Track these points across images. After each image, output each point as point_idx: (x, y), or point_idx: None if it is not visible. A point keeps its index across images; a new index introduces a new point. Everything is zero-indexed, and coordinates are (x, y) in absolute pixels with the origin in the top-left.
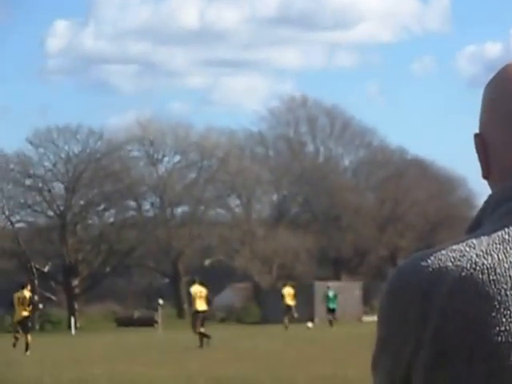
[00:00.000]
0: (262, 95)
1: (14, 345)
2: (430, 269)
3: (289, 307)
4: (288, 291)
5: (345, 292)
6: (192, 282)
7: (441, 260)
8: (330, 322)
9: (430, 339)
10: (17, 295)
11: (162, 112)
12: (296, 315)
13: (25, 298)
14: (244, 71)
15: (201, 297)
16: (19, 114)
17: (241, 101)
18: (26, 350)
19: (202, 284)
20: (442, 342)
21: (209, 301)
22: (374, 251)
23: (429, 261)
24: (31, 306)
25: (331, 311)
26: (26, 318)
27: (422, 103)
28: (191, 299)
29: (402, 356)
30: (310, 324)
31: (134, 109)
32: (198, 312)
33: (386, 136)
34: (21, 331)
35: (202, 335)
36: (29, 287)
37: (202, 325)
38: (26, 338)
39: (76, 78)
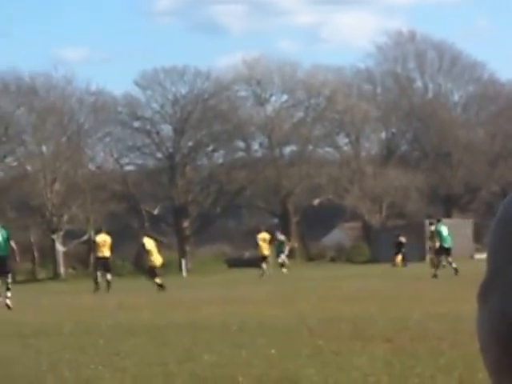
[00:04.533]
0: (371, 32)
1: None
2: None
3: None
4: None
5: (456, 230)
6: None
7: None
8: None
9: None
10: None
11: (270, 51)
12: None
13: (105, 240)
14: (353, 8)
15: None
16: (127, 57)
17: (349, 38)
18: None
19: None
20: None
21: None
22: (485, 187)
23: None
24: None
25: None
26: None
27: None
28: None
29: None
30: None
31: (241, 49)
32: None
33: (496, 70)
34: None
35: None
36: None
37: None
38: (107, 277)
39: (184, 18)
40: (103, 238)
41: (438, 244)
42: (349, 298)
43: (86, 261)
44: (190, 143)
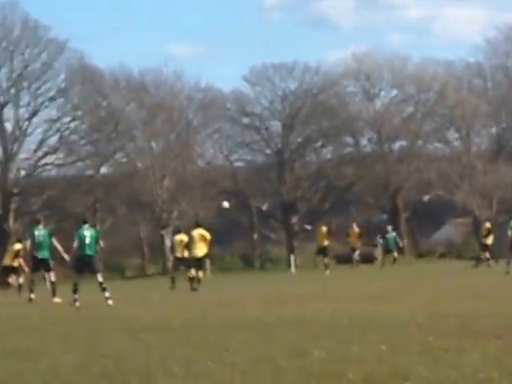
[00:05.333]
0: (481, 26)
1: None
2: None
3: None
4: None
5: None
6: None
7: None
8: None
9: None
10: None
11: (380, 45)
12: None
13: (203, 236)
14: (465, 2)
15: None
16: (236, 52)
17: (459, 32)
18: (198, 284)
19: None
20: None
21: None
22: None
23: None
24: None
25: None
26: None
27: None
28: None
29: None
30: None
31: (351, 43)
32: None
33: None
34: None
35: None
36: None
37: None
38: (199, 275)
39: (294, 13)
40: (180, 238)
41: None
42: (458, 295)
43: None
44: (299, 139)
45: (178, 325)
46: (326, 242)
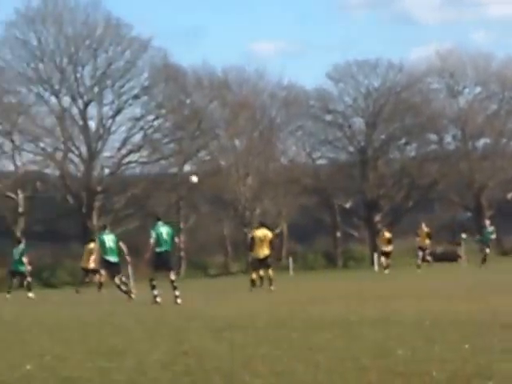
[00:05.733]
0: None
1: (256, 284)
2: None
3: None
4: None
5: None
6: None
7: None
8: None
9: None
10: (257, 234)
11: (464, 43)
12: None
13: (266, 236)
14: None
15: None
16: (319, 50)
17: None
18: (270, 284)
19: None
20: None
21: None
22: None
23: None
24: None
25: None
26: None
27: None
28: None
29: None
30: None
31: (435, 41)
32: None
33: None
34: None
35: None
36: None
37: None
38: (269, 274)
39: (377, 11)
40: (264, 233)
41: None
42: None
43: (278, 254)
44: (382, 136)
45: (261, 323)
46: (389, 248)
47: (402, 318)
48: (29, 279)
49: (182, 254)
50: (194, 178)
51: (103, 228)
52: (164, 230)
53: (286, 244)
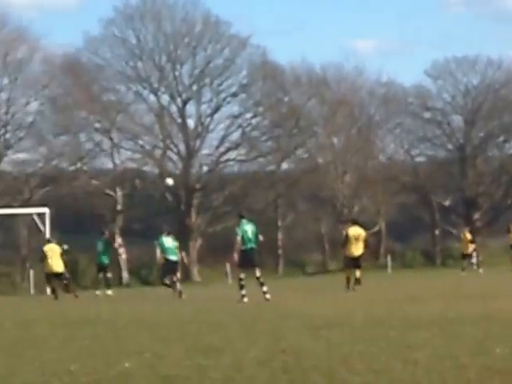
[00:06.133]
0: None
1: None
2: None
3: None
4: None
5: None
6: None
7: None
8: None
9: None
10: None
11: None
12: None
13: (360, 234)
14: None
15: None
16: (418, 47)
17: None
18: (359, 284)
19: None
20: None
21: None
22: None
23: None
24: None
25: None
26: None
27: None
28: None
29: None
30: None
31: None
32: None
33: None
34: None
35: None
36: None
37: None
38: (356, 274)
39: (476, 7)
40: (358, 232)
41: None
42: None
43: (376, 252)
44: (481, 134)
45: (358, 322)
46: (470, 249)
47: (501, 316)
48: (109, 275)
49: (280, 252)
50: (170, 181)
51: (161, 232)
52: (249, 228)
53: (384, 242)
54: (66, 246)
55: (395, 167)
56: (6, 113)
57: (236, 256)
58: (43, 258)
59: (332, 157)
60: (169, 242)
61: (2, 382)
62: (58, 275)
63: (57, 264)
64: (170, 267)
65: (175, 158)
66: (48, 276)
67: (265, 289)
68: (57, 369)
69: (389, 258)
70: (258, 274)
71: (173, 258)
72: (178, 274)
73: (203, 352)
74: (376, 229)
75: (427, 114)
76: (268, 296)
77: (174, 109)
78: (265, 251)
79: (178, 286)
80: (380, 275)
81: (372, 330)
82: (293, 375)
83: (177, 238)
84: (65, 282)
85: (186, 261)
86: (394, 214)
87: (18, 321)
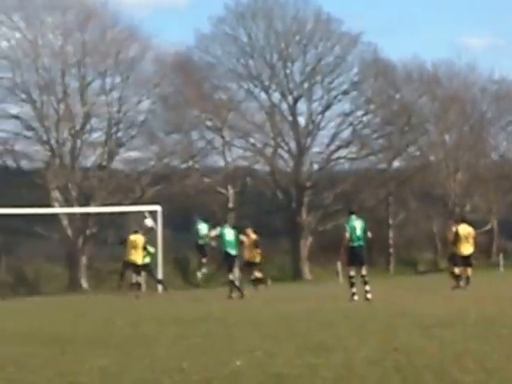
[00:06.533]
0: None
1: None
2: None
3: None
4: None
5: None
6: None
7: None
8: None
9: None
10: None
11: None
12: None
13: (469, 233)
14: None
15: None
16: None
17: None
18: (468, 283)
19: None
20: None
21: None
22: None
23: None
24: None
25: None
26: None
27: None
28: None
29: None
30: None
31: None
32: None
33: None
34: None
35: None
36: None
37: None
38: (467, 272)
39: None
40: (467, 230)
41: None
42: None
43: (488, 250)
44: None
45: (470, 320)
46: None
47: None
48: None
49: (391, 250)
50: (149, 222)
51: (224, 222)
52: (358, 224)
53: (496, 241)
54: (152, 249)
55: (507, 165)
56: (118, 111)
57: (343, 252)
58: (123, 242)
59: (444, 154)
60: (230, 234)
61: (112, 380)
62: (135, 266)
63: (137, 255)
64: (230, 263)
65: (286, 155)
66: (125, 264)
67: (367, 288)
68: (167, 366)
69: (501, 256)
70: (363, 272)
71: (233, 252)
72: (236, 271)
73: (313, 351)
74: (488, 227)
75: None
76: (369, 296)
77: (284, 106)
78: (376, 250)
79: (237, 283)
80: (492, 274)
81: (484, 328)
82: (405, 374)
83: (213, 226)
84: (135, 280)
85: (213, 239)
86: (506, 212)
87: (129, 319)
